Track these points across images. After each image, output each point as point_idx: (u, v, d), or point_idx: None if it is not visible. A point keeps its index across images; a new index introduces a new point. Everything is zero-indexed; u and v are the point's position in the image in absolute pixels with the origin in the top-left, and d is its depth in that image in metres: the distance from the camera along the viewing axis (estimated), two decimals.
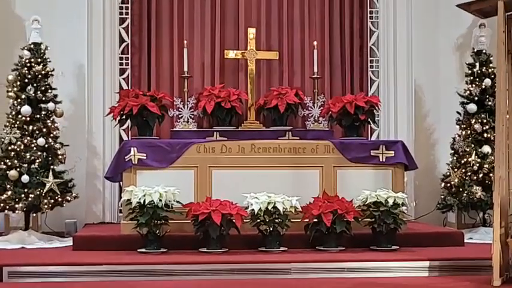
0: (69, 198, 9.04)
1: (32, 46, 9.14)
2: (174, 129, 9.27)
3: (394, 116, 10.09)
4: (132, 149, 8.36)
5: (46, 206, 8.81)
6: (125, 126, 9.63)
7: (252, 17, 10.02)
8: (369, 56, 10.23)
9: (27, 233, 8.84)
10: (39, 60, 9.08)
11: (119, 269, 7.18)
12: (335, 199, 8.08)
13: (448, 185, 9.54)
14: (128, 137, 9.58)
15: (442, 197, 9.64)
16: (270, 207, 7.82)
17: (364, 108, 8.81)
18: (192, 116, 9.34)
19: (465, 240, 8.64)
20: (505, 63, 7.10)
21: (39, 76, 9.03)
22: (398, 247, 8.01)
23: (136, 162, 8.34)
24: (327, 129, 9.35)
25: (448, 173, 9.62)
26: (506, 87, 7.18)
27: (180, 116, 9.32)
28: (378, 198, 8.00)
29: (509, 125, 7.34)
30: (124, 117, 8.77)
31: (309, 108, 9.49)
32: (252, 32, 9.65)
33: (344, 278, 7.19)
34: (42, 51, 9.15)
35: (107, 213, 9.70)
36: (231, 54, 9.69)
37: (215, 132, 9.12)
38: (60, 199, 8.93)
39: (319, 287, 6.77)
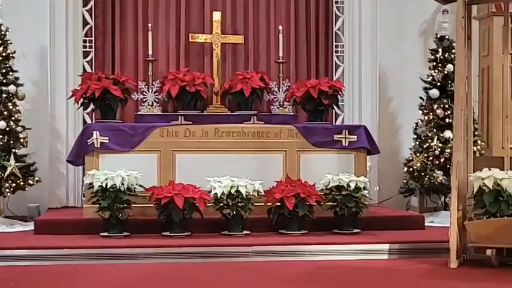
0: (32, 182, 8.98)
1: None
2: (139, 113, 9.23)
3: (359, 101, 10.14)
4: (94, 132, 8.32)
5: (7, 190, 8.75)
6: (88, 110, 9.57)
7: (218, 1, 9.98)
8: (334, 41, 10.25)
9: None
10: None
11: (80, 252, 7.17)
12: (298, 183, 8.12)
13: (411, 169, 9.63)
14: (92, 121, 9.53)
15: (405, 181, 9.74)
16: (233, 191, 7.84)
17: (327, 92, 8.83)
18: (157, 100, 9.30)
19: (426, 224, 8.75)
20: (465, 48, 7.17)
21: (0, 58, 8.93)
22: (360, 230, 8.08)
23: (98, 146, 8.30)
24: (291, 113, 9.36)
25: (411, 158, 9.70)
26: (466, 73, 7.25)
27: (144, 99, 9.28)
28: (340, 182, 8.05)
29: (468, 110, 7.43)
30: (86, 100, 8.72)
31: (274, 93, 9.49)
32: (217, 15, 9.61)
33: (305, 261, 7.25)
34: (3, 32, 9.02)
35: (70, 197, 9.66)
36: (196, 37, 9.65)
37: (180, 116, 9.08)
38: (22, 183, 8.86)
39: (280, 270, 6.81)
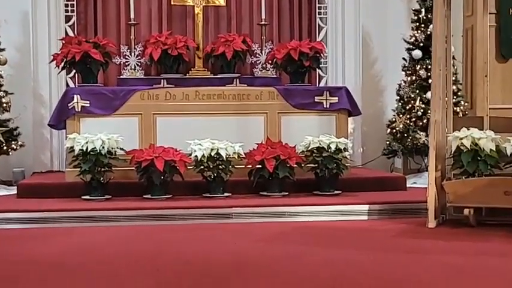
0: (15, 147, 9.00)
1: None
2: (121, 76, 9.22)
3: (342, 63, 10.11)
4: (75, 96, 8.32)
5: None
6: (71, 74, 9.56)
7: None
8: (317, 2, 10.19)
9: None
10: None
11: (61, 215, 7.22)
12: (278, 145, 8.14)
13: (394, 131, 9.64)
14: (75, 85, 9.51)
15: (388, 143, 9.75)
16: (213, 154, 7.85)
17: (308, 54, 8.81)
18: (139, 64, 9.29)
19: (409, 185, 8.80)
20: (443, 7, 7.14)
21: None
22: (340, 192, 8.11)
23: (79, 110, 8.31)
24: (274, 76, 9.35)
25: (394, 119, 9.70)
26: (445, 32, 7.23)
27: (127, 63, 9.26)
28: (320, 144, 8.07)
29: (448, 70, 7.42)
30: (67, 65, 8.70)
31: (257, 55, 9.48)
32: None
33: (285, 222, 7.28)
34: None
35: (55, 162, 9.69)
36: (178, 0, 9.59)
37: (162, 80, 9.09)
38: (5, 147, 8.88)
39: (259, 230, 6.84)
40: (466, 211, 6.90)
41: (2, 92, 8.99)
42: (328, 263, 5.51)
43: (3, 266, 5.49)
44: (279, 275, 5.17)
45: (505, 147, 6.97)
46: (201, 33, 9.47)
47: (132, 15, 9.36)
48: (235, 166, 8.00)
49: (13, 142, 9.00)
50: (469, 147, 6.97)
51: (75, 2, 9.76)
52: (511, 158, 6.97)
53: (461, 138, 7.02)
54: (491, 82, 8.54)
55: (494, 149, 6.98)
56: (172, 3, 9.63)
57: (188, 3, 9.59)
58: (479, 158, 7.00)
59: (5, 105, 9.00)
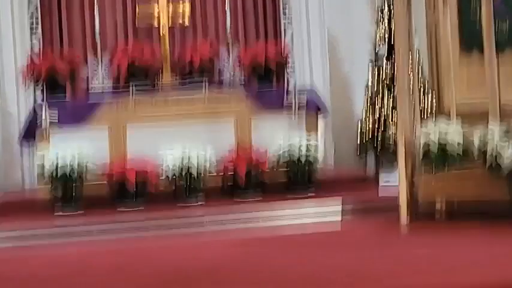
0: None
1: None
2: (89, 88, 9.18)
3: (309, 64, 10.13)
4: (43, 111, 8.27)
5: None
6: (39, 90, 9.49)
7: None
8: (281, 4, 10.21)
9: None
10: None
11: (35, 233, 7.20)
12: (249, 150, 8.15)
13: (364, 130, 9.65)
14: (43, 100, 9.44)
15: (359, 142, 9.77)
16: (185, 162, 7.85)
17: (274, 58, 8.83)
18: (107, 75, 9.26)
19: (382, 183, 8.81)
20: (403, 5, 7.20)
21: None
22: (313, 194, 8.13)
23: (48, 124, 8.26)
24: (242, 81, 9.35)
25: (363, 118, 9.72)
26: (408, 28, 7.29)
27: (95, 75, 9.22)
28: (291, 146, 8.09)
29: (412, 66, 7.48)
30: (35, 80, 8.65)
31: (225, 61, 9.47)
32: None
33: (258, 227, 7.30)
34: None
35: (26, 179, 9.59)
36: (143, 8, 9.56)
37: (131, 90, 9.04)
38: None
39: (233, 236, 6.86)
40: (437, 205, 6.97)
41: None
42: (302, 264, 5.55)
43: None
44: (252, 277, 5.19)
45: (473, 140, 7.01)
46: (167, 41, 9.43)
47: (97, 26, 9.30)
48: (208, 173, 7.99)
49: None
50: (436, 141, 7.01)
51: (39, 16, 9.69)
52: (478, 150, 7.01)
53: (429, 134, 7.07)
54: (457, 77, 8.62)
55: (461, 142, 7.02)
56: (137, 12, 9.58)
57: (154, 11, 9.52)
58: (447, 152, 7.04)
59: None
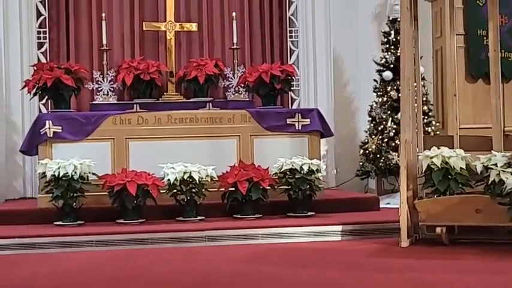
0: None
1: None
2: (93, 102, 9.22)
3: (314, 85, 10.19)
4: (47, 122, 8.30)
5: None
6: (43, 101, 9.56)
7: None
8: (288, 26, 10.29)
9: None
10: None
11: (33, 241, 7.16)
12: (251, 167, 8.15)
13: (367, 152, 9.70)
14: (47, 111, 9.50)
15: (361, 163, 9.81)
16: (186, 177, 7.85)
17: (279, 77, 8.87)
18: (112, 89, 9.29)
19: (383, 206, 8.85)
20: (411, 28, 7.23)
21: None
22: (314, 213, 8.13)
23: (51, 135, 8.29)
24: (247, 99, 9.39)
25: (366, 140, 9.77)
26: (413, 52, 7.32)
27: (100, 89, 9.26)
28: (293, 166, 8.09)
29: (417, 89, 7.50)
30: (39, 91, 8.69)
31: (229, 79, 9.52)
32: (170, 3, 9.60)
33: (258, 244, 7.28)
34: None
35: (27, 188, 9.65)
36: (150, 26, 9.65)
37: (135, 105, 9.08)
38: None
39: (232, 252, 6.84)
40: (438, 230, 6.93)
41: None
42: (300, 283, 5.51)
43: None
44: None
45: (475, 165, 7.01)
46: (173, 58, 9.50)
47: (104, 41, 9.37)
48: (208, 189, 7.99)
49: None
50: (439, 165, 7.01)
51: (47, 29, 9.79)
52: (481, 176, 7.01)
53: (431, 157, 7.06)
54: (462, 102, 8.67)
55: (464, 167, 7.02)
56: (144, 28, 9.68)
57: (160, 28, 9.64)
58: (450, 177, 7.03)
59: None
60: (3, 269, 6.33)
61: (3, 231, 7.41)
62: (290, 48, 10.30)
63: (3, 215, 8.07)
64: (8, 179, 9.53)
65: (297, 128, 8.69)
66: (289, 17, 10.29)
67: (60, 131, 8.32)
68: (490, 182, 6.79)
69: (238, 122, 8.64)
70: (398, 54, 9.52)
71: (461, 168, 7.02)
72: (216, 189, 8.05)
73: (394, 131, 9.50)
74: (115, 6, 9.91)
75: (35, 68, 8.89)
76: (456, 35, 7.78)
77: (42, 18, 9.81)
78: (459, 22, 9.39)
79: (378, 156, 9.56)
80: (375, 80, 9.88)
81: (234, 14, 9.74)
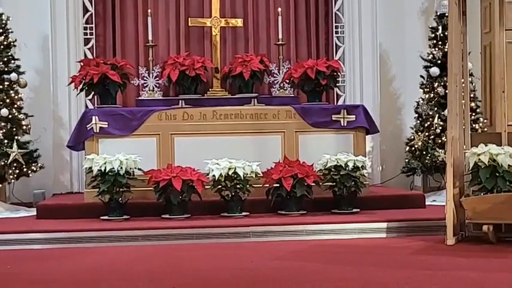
0: (35, 169, 9.08)
1: None
2: (139, 98, 9.28)
3: (360, 81, 10.13)
4: (93, 117, 8.39)
5: (11, 177, 8.86)
6: (90, 96, 9.66)
7: None
8: (334, 21, 10.24)
9: None
10: (0, 30, 9.06)
11: (80, 235, 7.26)
12: (295, 163, 8.13)
13: (412, 148, 9.62)
14: (93, 107, 9.59)
15: (406, 160, 9.72)
16: (230, 173, 7.86)
17: (325, 73, 8.82)
18: (158, 85, 9.34)
19: (428, 203, 8.76)
20: (459, 24, 7.14)
21: (1, 47, 9.04)
22: (359, 210, 8.08)
23: (98, 131, 8.38)
24: (292, 95, 9.36)
25: (412, 137, 9.68)
26: (461, 48, 7.23)
27: (145, 85, 9.32)
28: (338, 162, 8.05)
29: (464, 86, 7.40)
30: (85, 86, 8.77)
31: (275, 75, 9.50)
32: None
33: (302, 241, 7.26)
34: (4, 21, 9.13)
35: (74, 183, 9.77)
36: (195, 22, 9.68)
37: (180, 101, 9.12)
38: (25, 169, 8.97)
39: (277, 249, 6.83)
40: (484, 228, 6.84)
41: (22, 115, 9.08)
42: (346, 280, 5.49)
43: (21, 285, 5.52)
44: None
45: None
46: (218, 54, 9.51)
47: (150, 37, 9.42)
48: (253, 185, 8.00)
49: (33, 164, 9.08)
50: (486, 163, 6.92)
51: (93, 25, 9.90)
52: None
53: (479, 155, 6.97)
54: (511, 99, 8.51)
55: None
56: (189, 24, 9.71)
57: (206, 24, 9.67)
58: (497, 174, 6.95)
59: (25, 127, 9.10)
60: (50, 262, 6.41)
61: (50, 226, 7.51)
62: (336, 44, 10.25)
63: (51, 210, 8.18)
64: (55, 174, 9.65)
65: (342, 125, 8.64)
66: (335, 12, 10.24)
67: (107, 126, 8.40)
68: None
69: (283, 118, 8.63)
70: (446, 50, 9.47)
71: (509, 165, 6.93)
72: (260, 185, 8.05)
73: (440, 127, 9.39)
74: (161, 2, 9.98)
75: (82, 63, 8.98)
76: (505, 30, 7.64)
77: (88, 14, 9.91)
78: (509, 17, 9.21)
79: (424, 153, 9.47)
80: (421, 76, 9.78)
81: (279, 9, 9.72)
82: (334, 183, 8.03)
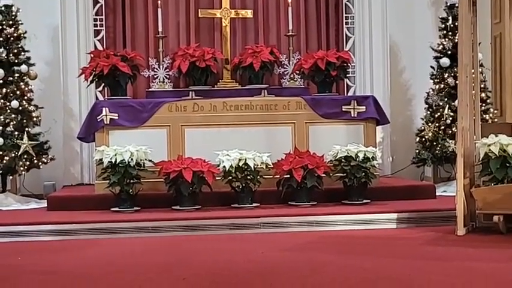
0: (45, 160, 9.12)
1: (3, 8, 9.13)
2: (149, 89, 9.29)
3: (370, 72, 10.11)
4: (103, 109, 8.40)
5: (22, 168, 8.89)
6: (100, 88, 9.67)
7: None
8: (344, 12, 10.22)
9: (4, 196, 8.94)
10: (10, 22, 9.09)
11: (90, 227, 7.28)
12: (306, 154, 8.13)
13: (423, 139, 9.61)
14: (104, 98, 9.61)
15: (417, 151, 9.71)
16: (241, 164, 7.87)
17: (335, 64, 8.81)
18: (168, 76, 9.34)
19: (439, 194, 8.76)
20: (469, 14, 7.11)
21: (11, 39, 9.06)
22: (369, 201, 8.08)
23: (108, 122, 8.39)
24: (302, 86, 9.36)
25: (423, 128, 9.67)
26: (472, 39, 7.20)
27: (155, 76, 9.33)
28: (348, 153, 8.05)
29: (475, 76, 7.38)
30: (96, 78, 8.79)
31: (285, 66, 9.49)
32: None
33: (312, 232, 7.27)
34: (14, 13, 9.15)
35: (85, 175, 9.79)
36: (205, 13, 9.67)
37: (190, 92, 9.12)
38: (36, 161, 9.00)
39: (287, 240, 6.84)
40: (495, 218, 6.83)
41: (32, 106, 9.12)
42: (356, 271, 5.49)
43: (32, 276, 5.55)
44: (305, 283, 5.16)
45: None
46: (228, 45, 9.51)
47: (160, 28, 9.43)
48: (263, 176, 8.01)
49: (43, 156, 9.12)
50: (497, 153, 6.90)
51: (103, 16, 9.90)
52: None
53: (489, 145, 6.95)
54: None
55: None
56: (200, 15, 9.71)
57: (216, 15, 9.66)
58: (507, 165, 6.93)
59: (35, 119, 9.13)
60: (60, 254, 6.44)
61: (61, 217, 7.54)
62: (346, 35, 10.23)
63: (61, 201, 8.22)
64: (65, 165, 9.68)
65: (352, 115, 8.63)
66: (346, 3, 10.21)
67: (117, 118, 8.41)
68: None
69: (293, 109, 8.63)
70: (456, 40, 9.42)
71: None
72: (271, 176, 8.05)
73: (451, 118, 9.38)
74: None
75: (92, 55, 8.99)
76: None
77: (98, 5, 9.92)
78: None
79: (435, 143, 9.46)
80: (431, 67, 9.77)
81: (289, 0, 9.70)
82: (345, 174, 8.03)
